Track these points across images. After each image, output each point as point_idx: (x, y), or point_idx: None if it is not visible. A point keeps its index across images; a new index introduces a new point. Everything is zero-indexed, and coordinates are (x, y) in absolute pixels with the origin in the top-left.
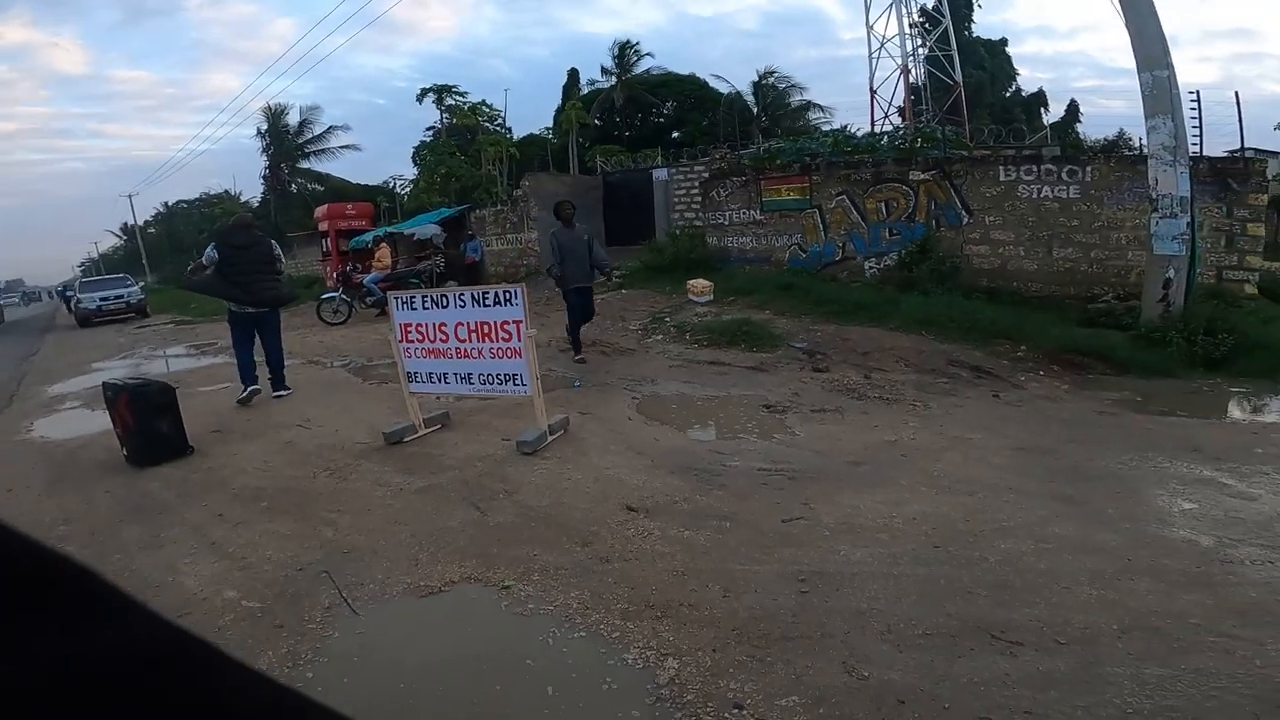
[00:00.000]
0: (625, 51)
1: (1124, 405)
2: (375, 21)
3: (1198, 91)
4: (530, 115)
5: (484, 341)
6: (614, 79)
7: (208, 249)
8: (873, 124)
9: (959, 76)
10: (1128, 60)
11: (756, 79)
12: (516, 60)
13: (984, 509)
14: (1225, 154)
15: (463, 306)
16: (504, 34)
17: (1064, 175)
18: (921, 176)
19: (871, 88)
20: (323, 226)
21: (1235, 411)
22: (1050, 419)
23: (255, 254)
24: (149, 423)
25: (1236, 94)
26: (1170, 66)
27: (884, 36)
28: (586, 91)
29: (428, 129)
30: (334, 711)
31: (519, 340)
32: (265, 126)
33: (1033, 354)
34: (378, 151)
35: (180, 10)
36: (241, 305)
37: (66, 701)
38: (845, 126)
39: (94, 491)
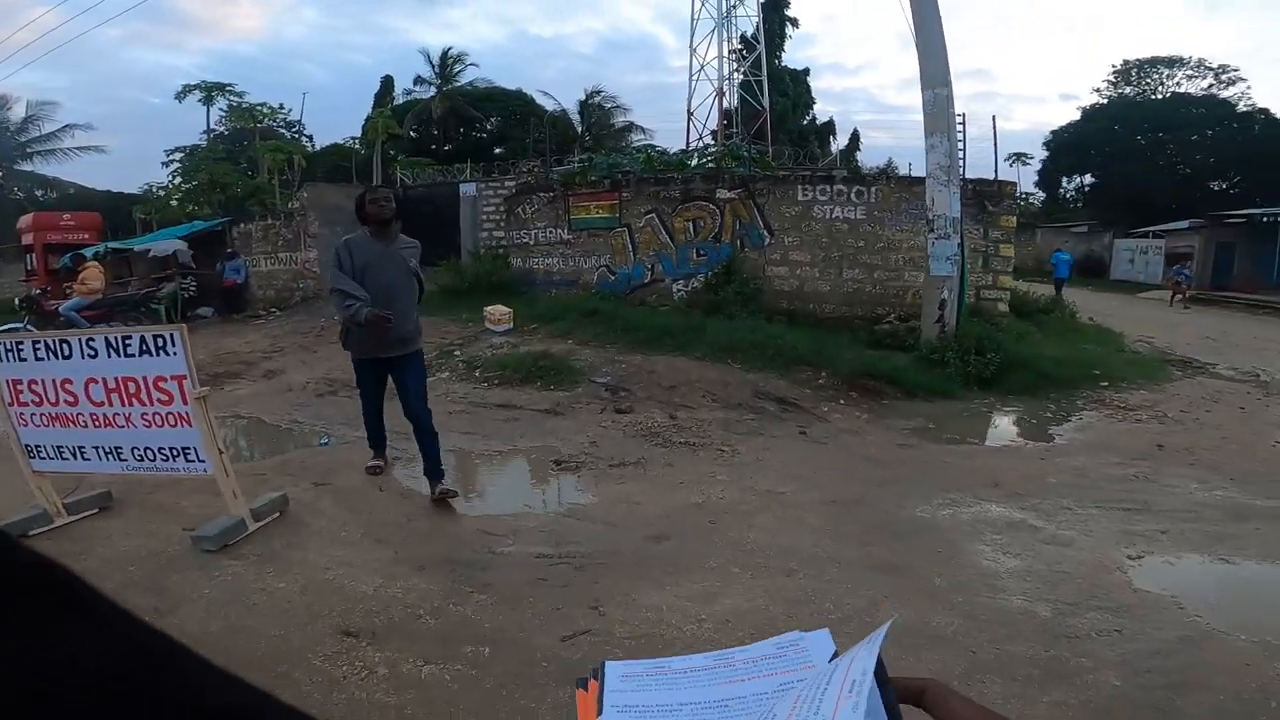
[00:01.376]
0: (447, 61)
1: (920, 434)
2: (156, 14)
3: (964, 114)
4: (345, 124)
5: (131, 405)
6: (433, 89)
7: None
8: (688, 144)
9: (767, 102)
10: (896, 96)
11: (584, 98)
12: (333, 66)
13: (806, 595)
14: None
15: (94, 357)
16: (322, 38)
17: (853, 196)
18: (728, 195)
19: (689, 109)
20: (27, 240)
21: (1017, 435)
22: (856, 457)
23: None
24: None
25: (994, 118)
26: (950, 85)
27: (704, 60)
28: (403, 101)
29: (203, 132)
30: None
31: (183, 402)
32: None
33: (832, 380)
34: (147, 155)
35: None
36: None
37: (58, 708)
38: (666, 150)
39: None
